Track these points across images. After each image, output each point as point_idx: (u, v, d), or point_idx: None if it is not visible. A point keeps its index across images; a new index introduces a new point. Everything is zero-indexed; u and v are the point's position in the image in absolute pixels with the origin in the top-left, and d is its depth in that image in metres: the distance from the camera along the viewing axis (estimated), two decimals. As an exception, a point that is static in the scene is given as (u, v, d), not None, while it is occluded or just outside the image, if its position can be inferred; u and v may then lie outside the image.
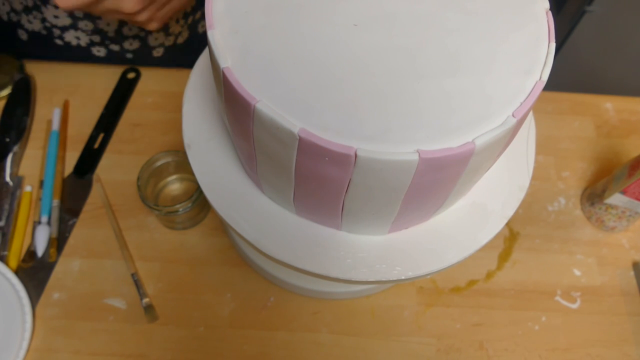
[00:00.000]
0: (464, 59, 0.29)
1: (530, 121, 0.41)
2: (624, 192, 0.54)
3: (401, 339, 0.53)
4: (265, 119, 0.27)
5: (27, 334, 0.50)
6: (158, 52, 0.69)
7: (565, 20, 0.61)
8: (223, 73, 0.28)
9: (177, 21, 0.65)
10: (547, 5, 0.32)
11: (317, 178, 0.29)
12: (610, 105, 0.70)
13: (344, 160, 0.26)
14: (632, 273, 0.59)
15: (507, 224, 0.61)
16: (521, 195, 0.38)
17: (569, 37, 0.61)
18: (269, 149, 0.30)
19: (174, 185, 0.58)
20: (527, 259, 0.59)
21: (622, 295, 0.57)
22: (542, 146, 0.66)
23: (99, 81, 0.67)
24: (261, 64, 0.28)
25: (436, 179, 0.29)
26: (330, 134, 0.26)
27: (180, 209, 0.53)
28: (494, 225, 0.37)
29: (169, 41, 0.68)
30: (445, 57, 0.29)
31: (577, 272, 0.58)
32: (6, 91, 0.64)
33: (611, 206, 0.57)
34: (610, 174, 0.59)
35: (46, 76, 0.67)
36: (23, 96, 0.64)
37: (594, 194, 0.60)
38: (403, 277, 0.35)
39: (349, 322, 0.54)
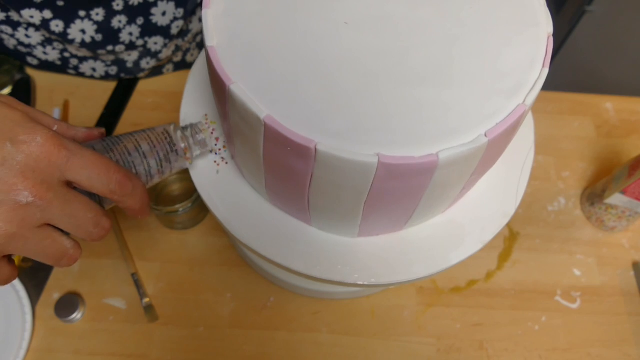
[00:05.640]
0: (449, 70, 0.29)
1: (529, 150, 0.40)
2: (624, 192, 0.54)
3: (401, 339, 0.53)
4: (237, 101, 0.28)
5: (27, 334, 0.50)
6: (168, 70, 0.69)
7: (565, 20, 0.61)
8: (207, 51, 0.29)
9: (184, 38, 0.65)
10: (550, 29, 0.31)
11: (283, 167, 0.29)
12: (610, 105, 0.70)
13: (305, 153, 0.27)
14: (632, 273, 0.59)
15: (507, 224, 0.61)
16: (504, 221, 0.37)
17: (569, 37, 0.61)
18: (242, 132, 0.30)
19: (174, 186, 0.58)
20: (527, 259, 0.59)
21: (622, 295, 0.57)
22: (542, 146, 0.66)
23: (99, 81, 0.67)
24: (244, 47, 0.29)
25: (399, 187, 0.28)
26: (295, 124, 0.27)
27: (180, 209, 0.53)
28: (468, 248, 0.36)
29: (177, 57, 0.68)
30: (430, 66, 0.29)
31: (577, 272, 0.58)
32: (6, 91, 0.64)
33: (611, 206, 0.57)
34: (610, 174, 0.59)
35: (46, 76, 0.67)
36: (23, 96, 0.64)
37: (594, 194, 0.60)
38: (360, 282, 0.35)
39: (349, 322, 0.54)
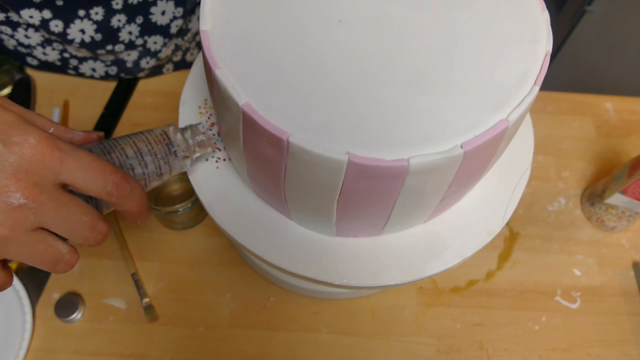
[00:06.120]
0: (435, 78, 0.29)
1: (525, 170, 0.39)
2: (624, 192, 0.54)
3: (401, 339, 0.53)
4: (220, 86, 0.28)
5: (27, 334, 0.50)
6: (168, 70, 0.69)
7: (565, 20, 0.61)
8: (200, 35, 0.29)
9: (183, 37, 0.65)
10: (549, 47, 0.31)
11: (261, 157, 0.30)
12: (610, 105, 0.70)
13: (278, 144, 0.27)
14: (632, 273, 0.59)
15: (507, 224, 0.61)
16: (487, 239, 0.37)
17: (569, 37, 0.61)
18: (225, 118, 0.31)
19: (174, 186, 0.58)
20: (527, 259, 0.59)
21: (622, 295, 0.57)
22: (542, 146, 0.66)
23: (99, 81, 0.67)
24: (236, 34, 0.29)
25: (371, 189, 0.28)
26: (273, 114, 0.27)
27: (180, 209, 0.53)
28: (446, 262, 0.36)
29: (177, 56, 0.68)
30: (417, 72, 0.29)
31: (577, 272, 0.58)
32: (6, 91, 0.64)
33: (611, 206, 0.57)
34: (610, 174, 0.59)
35: (46, 76, 0.67)
36: (23, 96, 0.64)
37: (594, 194, 0.60)
38: (331, 282, 0.35)
39: (349, 322, 0.54)
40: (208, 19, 0.30)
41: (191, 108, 0.40)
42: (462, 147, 0.27)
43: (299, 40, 0.29)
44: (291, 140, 0.26)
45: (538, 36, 0.31)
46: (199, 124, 0.37)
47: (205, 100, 0.39)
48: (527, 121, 0.42)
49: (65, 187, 0.28)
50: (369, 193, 0.29)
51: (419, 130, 0.27)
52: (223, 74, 0.28)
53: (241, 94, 0.27)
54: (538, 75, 0.29)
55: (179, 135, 0.35)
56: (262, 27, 0.30)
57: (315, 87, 0.28)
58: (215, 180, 0.38)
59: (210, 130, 0.37)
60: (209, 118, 0.38)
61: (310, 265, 0.35)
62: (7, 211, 0.25)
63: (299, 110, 0.27)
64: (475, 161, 0.29)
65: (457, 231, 0.37)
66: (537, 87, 0.29)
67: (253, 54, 0.29)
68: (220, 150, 0.38)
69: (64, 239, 0.29)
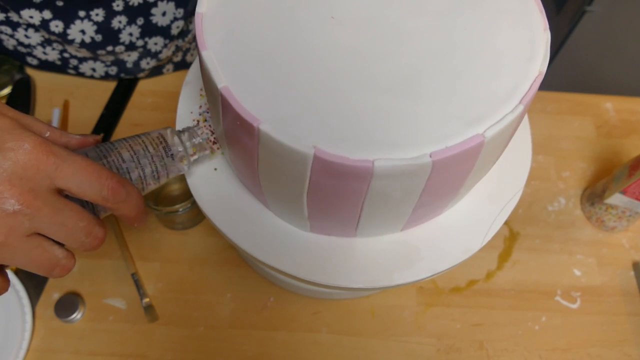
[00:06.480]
0: (418, 84, 0.28)
1: (515, 193, 0.38)
2: (624, 192, 0.54)
3: (401, 339, 0.53)
4: (204, 67, 0.29)
5: (27, 334, 0.50)
6: (168, 70, 0.69)
7: (565, 20, 0.61)
8: (195, 17, 0.30)
9: (184, 39, 0.65)
10: (543, 68, 0.30)
11: (237, 141, 0.30)
12: (610, 105, 0.70)
13: (249, 130, 0.27)
14: (632, 273, 0.59)
15: (508, 224, 0.61)
16: (463, 257, 0.36)
17: (569, 37, 0.61)
18: (210, 101, 0.31)
19: (174, 186, 0.58)
20: (527, 259, 0.59)
21: (622, 295, 0.57)
22: (542, 146, 0.66)
23: (99, 81, 0.67)
24: (228, 20, 0.30)
25: (337, 187, 0.28)
26: (248, 101, 0.27)
27: (180, 209, 0.53)
28: (416, 273, 0.35)
29: (177, 57, 0.68)
30: (400, 76, 0.29)
31: (577, 272, 0.58)
32: (6, 91, 0.64)
33: (611, 206, 0.57)
34: (610, 174, 0.59)
35: (46, 76, 0.67)
36: (23, 96, 0.64)
37: (594, 194, 0.60)
38: (297, 275, 0.35)
39: (349, 322, 0.54)
40: (204, 2, 0.31)
41: (194, 90, 0.41)
42: (430, 157, 0.26)
43: (290, 33, 0.30)
44: (261, 128, 0.26)
45: (534, 55, 0.30)
46: (196, 126, 0.37)
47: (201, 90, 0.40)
48: (525, 143, 0.41)
49: (61, 193, 0.28)
50: (336, 190, 0.28)
51: (391, 134, 0.27)
52: (208, 57, 0.29)
53: (222, 77, 0.28)
54: (525, 95, 0.28)
55: (176, 138, 0.35)
56: (256, 16, 0.30)
57: (296, 80, 0.28)
58: (212, 181, 0.38)
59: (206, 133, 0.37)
60: (207, 102, 0.38)
61: (281, 256, 0.36)
62: (2, 217, 0.25)
63: (276, 100, 0.28)
64: (448, 174, 0.28)
65: (433, 245, 0.36)
66: (522, 107, 0.28)
67: (242, 41, 0.29)
68: (219, 148, 0.38)
69: (61, 244, 0.29)
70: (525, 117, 0.42)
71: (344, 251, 0.36)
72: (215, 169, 0.39)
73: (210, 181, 0.38)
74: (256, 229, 0.36)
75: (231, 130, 0.30)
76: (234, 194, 0.38)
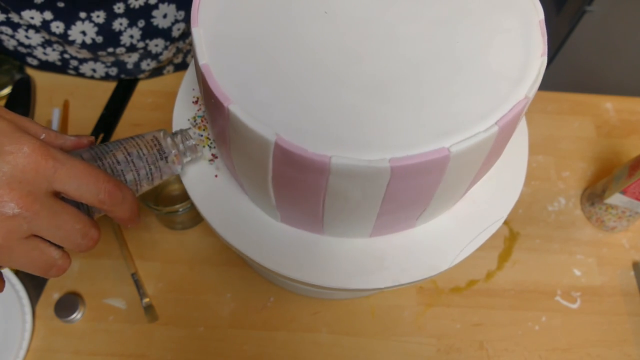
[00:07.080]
0: (397, 88, 0.28)
1: (497, 220, 0.37)
2: (624, 192, 0.54)
3: (401, 339, 0.53)
4: (192, 45, 0.30)
5: (27, 334, 0.50)
6: (169, 72, 0.69)
7: (565, 20, 0.61)
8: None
9: (185, 40, 0.65)
10: (530, 94, 0.29)
11: (214, 121, 0.31)
12: (610, 105, 0.70)
13: (221, 110, 0.28)
14: (632, 273, 0.59)
15: (508, 224, 0.61)
16: (429, 273, 0.35)
17: (569, 37, 0.61)
18: (197, 79, 0.32)
19: (174, 186, 0.58)
20: (527, 259, 0.59)
21: (622, 295, 0.57)
22: (542, 146, 0.66)
23: (99, 81, 0.67)
24: (221, 3, 0.31)
25: (298, 178, 0.28)
26: (225, 80, 0.28)
27: (180, 209, 0.53)
28: (378, 281, 0.35)
29: (178, 59, 0.68)
30: (381, 78, 0.28)
31: (577, 272, 0.58)
32: (6, 91, 0.64)
33: (611, 206, 0.57)
34: (610, 174, 0.59)
35: (46, 76, 0.67)
36: (23, 96, 0.64)
37: (594, 194, 0.60)
38: (265, 265, 0.36)
39: (349, 322, 0.54)
40: None
41: (192, 91, 0.41)
42: (389, 162, 0.26)
43: (281, 23, 0.30)
44: (231, 108, 0.27)
45: (524, 78, 0.29)
46: (189, 128, 0.37)
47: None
48: (519, 168, 0.39)
49: (58, 195, 0.28)
50: (297, 182, 0.29)
51: (356, 133, 0.27)
52: (197, 33, 0.29)
53: (205, 55, 0.29)
54: (502, 117, 0.27)
55: (169, 140, 0.35)
56: (252, 2, 0.31)
57: (277, 68, 0.29)
58: (207, 181, 0.38)
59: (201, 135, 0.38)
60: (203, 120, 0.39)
61: (254, 246, 0.36)
62: (1, 220, 0.26)
63: (252, 84, 0.28)
64: (410, 183, 0.28)
65: (400, 256, 0.36)
66: (496, 128, 0.27)
67: (233, 24, 0.30)
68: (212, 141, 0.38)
69: (56, 245, 0.29)
70: (525, 141, 0.41)
71: (309, 246, 0.36)
72: (210, 161, 0.39)
73: (203, 176, 0.39)
74: (229, 216, 0.37)
75: (210, 110, 0.31)
76: (226, 188, 0.38)
